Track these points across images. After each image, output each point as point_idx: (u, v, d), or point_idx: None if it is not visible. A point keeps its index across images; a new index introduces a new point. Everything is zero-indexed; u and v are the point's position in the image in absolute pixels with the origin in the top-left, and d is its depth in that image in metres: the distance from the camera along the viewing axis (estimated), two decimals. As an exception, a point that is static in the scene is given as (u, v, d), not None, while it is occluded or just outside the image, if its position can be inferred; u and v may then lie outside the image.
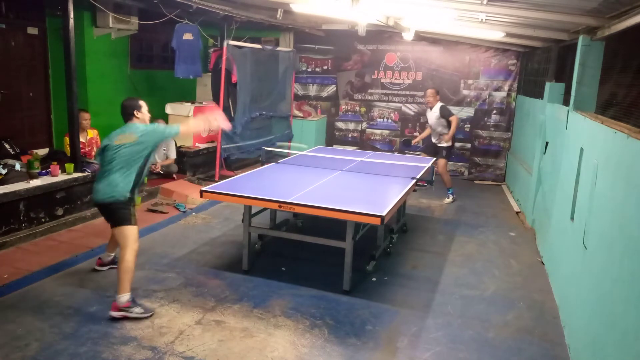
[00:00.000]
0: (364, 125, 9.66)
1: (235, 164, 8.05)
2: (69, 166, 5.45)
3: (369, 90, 9.46)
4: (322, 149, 7.22)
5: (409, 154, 9.06)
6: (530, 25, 5.39)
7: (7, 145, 5.97)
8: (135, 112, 3.90)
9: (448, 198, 7.46)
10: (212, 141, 7.96)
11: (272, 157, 6.19)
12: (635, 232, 2.47)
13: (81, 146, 5.80)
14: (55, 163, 5.46)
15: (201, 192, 4.41)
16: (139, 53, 8.14)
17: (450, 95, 9.04)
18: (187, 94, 8.66)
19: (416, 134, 9.31)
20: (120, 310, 3.61)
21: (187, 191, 6.67)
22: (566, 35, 5.36)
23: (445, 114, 7.19)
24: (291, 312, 3.85)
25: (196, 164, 7.67)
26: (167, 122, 7.30)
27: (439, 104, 7.27)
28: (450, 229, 6.14)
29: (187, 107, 7.73)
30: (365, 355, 3.35)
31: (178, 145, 7.40)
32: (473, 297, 4.32)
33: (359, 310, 3.95)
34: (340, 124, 9.84)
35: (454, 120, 7.15)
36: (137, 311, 3.64)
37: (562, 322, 3.88)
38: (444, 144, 7.30)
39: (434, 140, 7.45)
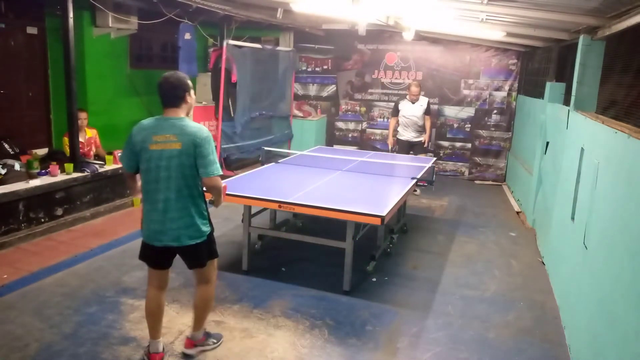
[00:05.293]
0: (364, 125, 9.65)
1: (234, 164, 8.03)
2: (69, 166, 5.45)
3: (369, 90, 9.45)
4: (322, 149, 7.21)
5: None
6: (530, 24, 5.38)
7: (6, 145, 5.95)
8: (187, 95, 2.82)
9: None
10: (212, 141, 7.94)
11: (272, 157, 6.17)
12: (636, 232, 2.45)
13: (80, 146, 5.79)
14: (55, 163, 5.45)
15: (201, 192, 4.40)
16: (139, 53, 8.13)
17: (451, 95, 9.03)
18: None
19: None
20: (195, 346, 3.23)
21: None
22: (567, 34, 5.35)
23: (429, 110, 7.46)
24: (291, 313, 3.84)
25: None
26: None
27: (425, 99, 7.52)
28: (450, 229, 6.13)
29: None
30: (366, 356, 3.34)
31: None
32: (473, 297, 4.31)
33: (359, 310, 3.94)
34: (340, 124, 9.82)
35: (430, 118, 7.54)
36: (211, 342, 3.29)
37: (563, 323, 3.87)
38: (422, 138, 7.48)
39: (411, 135, 7.44)
